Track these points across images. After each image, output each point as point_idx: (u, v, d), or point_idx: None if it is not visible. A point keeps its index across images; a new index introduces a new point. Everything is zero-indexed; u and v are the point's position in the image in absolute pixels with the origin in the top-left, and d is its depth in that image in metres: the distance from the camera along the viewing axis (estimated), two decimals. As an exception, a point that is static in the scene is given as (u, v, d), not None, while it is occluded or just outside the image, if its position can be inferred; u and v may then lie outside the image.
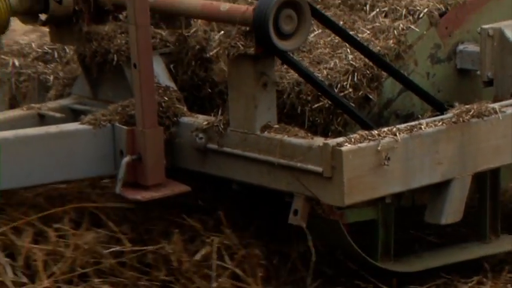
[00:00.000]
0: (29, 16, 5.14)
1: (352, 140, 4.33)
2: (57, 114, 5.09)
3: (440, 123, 4.57)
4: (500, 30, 4.93)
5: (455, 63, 5.11)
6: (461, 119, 4.59)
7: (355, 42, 4.84)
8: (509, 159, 4.84)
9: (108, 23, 5.16)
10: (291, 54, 4.67)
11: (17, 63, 5.62)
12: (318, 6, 5.25)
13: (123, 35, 5.05)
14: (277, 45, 4.38)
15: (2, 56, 5.67)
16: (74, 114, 5.23)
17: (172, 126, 4.86)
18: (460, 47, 5.08)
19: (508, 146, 4.76)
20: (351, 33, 5.00)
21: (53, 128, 4.83)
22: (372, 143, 4.32)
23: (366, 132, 4.40)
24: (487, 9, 5.17)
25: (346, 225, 4.81)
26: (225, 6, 4.60)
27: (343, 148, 4.23)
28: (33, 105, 5.27)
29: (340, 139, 4.34)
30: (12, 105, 5.74)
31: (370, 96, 4.83)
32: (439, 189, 4.66)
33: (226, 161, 4.70)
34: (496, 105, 4.73)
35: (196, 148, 4.76)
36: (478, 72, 5.01)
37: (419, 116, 4.85)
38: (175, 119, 4.86)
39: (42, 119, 5.12)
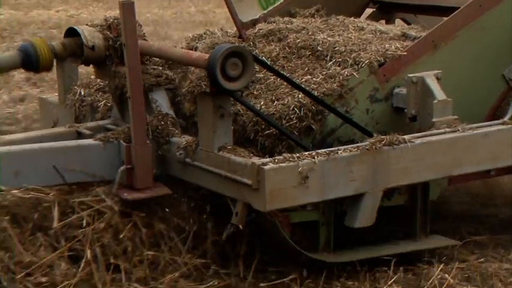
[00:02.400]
0: (71, 59, 4.95)
1: (276, 160, 4.09)
2: (88, 132, 4.89)
3: (356, 149, 4.27)
4: (422, 78, 4.60)
5: (392, 102, 4.75)
6: (374, 147, 4.27)
7: (293, 84, 4.58)
8: (416, 179, 4.50)
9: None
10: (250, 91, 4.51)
11: (82, 92, 5.42)
12: (292, 56, 5.03)
13: None
14: (224, 86, 4.14)
15: (75, 87, 5.47)
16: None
17: (165, 144, 4.65)
18: (396, 90, 4.73)
19: (415, 168, 4.40)
20: (308, 76, 4.76)
21: (72, 142, 4.69)
22: (292, 163, 4.06)
23: (289, 155, 4.14)
24: (420, 62, 4.80)
25: (289, 225, 4.54)
26: (195, 55, 4.37)
27: (266, 167, 4.02)
28: (74, 124, 5.12)
29: (266, 160, 4.11)
30: (75, 125, 5.58)
31: (313, 127, 4.52)
32: (355, 200, 4.35)
33: (197, 172, 4.49)
34: (406, 137, 4.39)
35: (178, 161, 4.56)
36: (406, 110, 4.64)
37: (359, 142, 4.49)
38: (167, 138, 4.65)
39: (79, 135, 4.92)
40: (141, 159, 4.48)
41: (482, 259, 4.95)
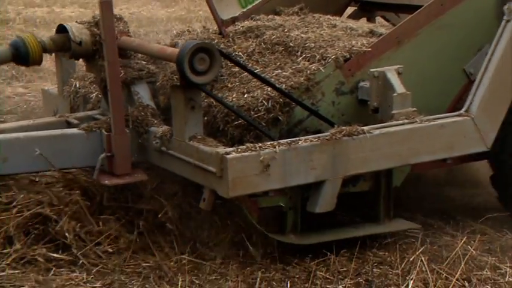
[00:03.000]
0: (61, 53, 4.89)
1: (239, 150, 4.01)
2: (76, 122, 4.82)
3: (316, 139, 4.18)
4: (384, 73, 4.48)
5: (357, 95, 4.64)
6: (333, 137, 4.18)
7: (260, 78, 4.49)
8: (375, 167, 4.39)
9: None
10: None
11: (77, 84, 5.36)
12: (267, 52, 4.93)
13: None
14: (192, 80, 4.06)
15: (71, 79, 5.41)
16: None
17: (144, 133, 4.56)
18: (361, 83, 4.61)
19: (373, 157, 4.30)
20: (279, 71, 4.66)
21: (57, 131, 4.62)
22: (254, 153, 3.99)
23: (251, 144, 4.07)
24: (385, 58, 4.69)
25: (258, 209, 4.42)
26: (169, 50, 4.27)
27: (229, 156, 3.94)
28: (64, 114, 5.06)
29: (230, 149, 4.03)
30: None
31: (280, 118, 4.42)
32: (316, 187, 4.26)
33: (171, 160, 4.40)
34: (366, 128, 4.30)
35: (155, 149, 4.47)
36: (369, 103, 4.53)
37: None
38: (146, 128, 4.56)
39: (68, 125, 4.86)
40: (120, 148, 4.41)
41: (502, 233, 4.97)
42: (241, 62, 4.74)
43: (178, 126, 4.28)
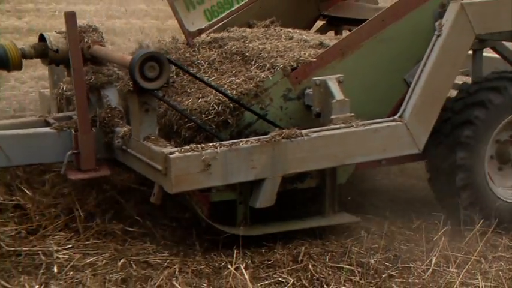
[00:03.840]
0: (41, 60, 4.76)
1: (182, 150, 3.87)
2: (53, 121, 4.65)
3: (257, 141, 4.03)
4: (325, 81, 4.33)
5: (303, 101, 4.48)
6: (273, 139, 4.03)
7: (208, 84, 4.37)
8: (313, 167, 4.24)
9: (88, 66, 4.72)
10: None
11: (64, 87, 5.20)
12: (226, 60, 4.79)
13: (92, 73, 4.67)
14: (143, 85, 3.93)
15: (60, 83, 5.28)
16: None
17: (110, 133, 4.42)
18: (307, 90, 4.45)
19: (311, 157, 4.15)
20: (233, 78, 4.49)
21: (31, 130, 4.47)
22: (196, 153, 3.85)
23: (195, 145, 3.93)
24: (329, 67, 4.53)
25: (208, 203, 4.29)
26: (128, 58, 4.08)
27: (172, 155, 3.81)
28: (44, 114, 4.95)
29: (174, 149, 3.89)
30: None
31: (229, 121, 4.28)
32: (257, 184, 4.11)
33: (130, 157, 4.28)
34: (304, 131, 4.14)
35: (117, 148, 4.36)
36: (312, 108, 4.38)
37: None
38: (112, 128, 4.41)
39: (47, 124, 4.69)
40: (85, 145, 4.27)
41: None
42: (194, 70, 4.63)
43: (135, 128, 4.15)
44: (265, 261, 4.20)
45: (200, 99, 4.35)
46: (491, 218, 4.61)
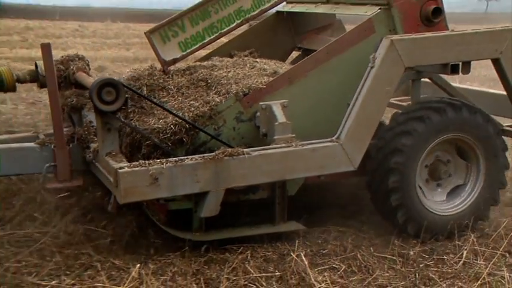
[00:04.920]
0: (36, 84, 4.65)
1: (132, 165, 3.70)
2: (43, 137, 4.47)
3: (201, 158, 3.83)
4: (270, 106, 4.15)
5: (255, 122, 4.28)
6: (216, 157, 3.83)
7: (162, 107, 4.20)
8: (254, 181, 4.02)
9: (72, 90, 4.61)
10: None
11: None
12: (192, 86, 4.62)
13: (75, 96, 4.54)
14: (100, 108, 3.78)
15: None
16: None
17: (86, 148, 4.27)
18: (258, 113, 4.24)
19: (252, 173, 3.94)
20: (193, 102, 4.31)
21: (16, 145, 4.36)
22: (143, 168, 3.68)
23: (144, 161, 3.75)
24: (278, 93, 4.32)
25: (166, 211, 4.12)
26: (92, 84, 3.97)
27: (120, 170, 3.64)
28: (37, 130, 4.83)
29: (124, 164, 3.72)
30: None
31: (184, 140, 4.09)
32: (202, 196, 3.92)
33: (98, 170, 4.11)
34: (246, 150, 3.94)
35: (89, 161, 4.20)
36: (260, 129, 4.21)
37: None
38: (88, 144, 4.27)
39: (37, 138, 4.50)
40: (60, 159, 4.12)
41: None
42: (163, 94, 4.48)
43: (100, 144, 3.99)
44: (321, 250, 4.27)
45: (161, 120, 4.18)
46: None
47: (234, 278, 3.81)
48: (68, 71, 4.57)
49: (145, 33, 4.80)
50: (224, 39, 5.63)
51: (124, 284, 3.62)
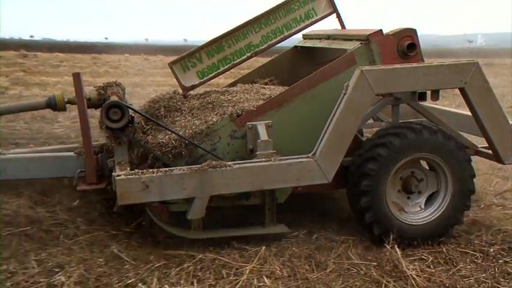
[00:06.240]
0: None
1: (127, 174, 3.60)
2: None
3: (188, 169, 3.68)
4: (255, 126, 3.97)
5: (246, 139, 4.08)
6: (201, 168, 3.68)
7: (162, 126, 4.06)
8: (236, 190, 3.81)
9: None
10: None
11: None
12: (202, 108, 4.45)
13: None
14: (108, 125, 3.75)
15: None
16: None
17: (110, 157, 4.15)
18: None
19: (234, 183, 3.74)
20: (196, 121, 4.15)
21: (60, 154, 4.36)
22: (136, 176, 3.58)
23: (138, 170, 3.65)
24: (268, 115, 4.11)
25: (168, 212, 4.00)
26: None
27: (117, 177, 3.56)
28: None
29: (121, 173, 3.62)
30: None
31: (183, 153, 3.95)
32: (190, 201, 3.77)
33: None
34: (230, 163, 3.75)
35: (111, 169, 4.07)
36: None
37: None
38: (112, 154, 4.15)
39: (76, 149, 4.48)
40: (88, 166, 4.05)
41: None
42: (177, 114, 4.36)
43: (114, 155, 3.95)
44: (412, 243, 4.09)
45: (167, 136, 4.07)
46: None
47: (339, 262, 3.83)
48: (106, 94, 4.58)
49: (168, 64, 4.73)
50: (248, 70, 5.48)
51: (252, 261, 3.74)
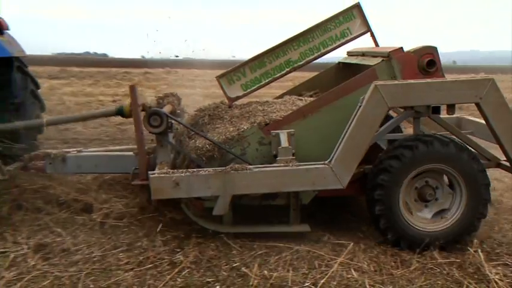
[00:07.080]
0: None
1: (160, 173, 3.65)
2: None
3: (213, 171, 3.65)
4: (278, 134, 3.84)
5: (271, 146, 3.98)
6: (224, 171, 3.63)
7: (196, 132, 4.05)
8: (255, 191, 3.72)
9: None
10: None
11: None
12: (241, 116, 4.37)
13: None
14: (150, 130, 3.82)
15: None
16: None
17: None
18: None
19: (253, 184, 3.65)
20: (231, 128, 4.10)
21: (122, 153, 4.56)
22: (168, 175, 3.61)
23: (171, 170, 3.69)
24: (294, 124, 3.97)
25: (203, 208, 3.95)
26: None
27: (152, 176, 3.62)
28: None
29: (156, 172, 3.66)
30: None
31: (215, 156, 3.92)
32: (215, 199, 3.73)
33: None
34: (250, 167, 3.66)
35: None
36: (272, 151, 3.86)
37: None
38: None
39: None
40: (141, 165, 4.09)
41: None
42: (219, 121, 4.32)
43: (158, 155, 4.01)
44: (496, 249, 3.90)
45: (204, 141, 4.08)
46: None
47: (423, 261, 3.65)
48: (163, 103, 4.68)
49: (216, 77, 4.75)
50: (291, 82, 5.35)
51: (342, 255, 3.67)
